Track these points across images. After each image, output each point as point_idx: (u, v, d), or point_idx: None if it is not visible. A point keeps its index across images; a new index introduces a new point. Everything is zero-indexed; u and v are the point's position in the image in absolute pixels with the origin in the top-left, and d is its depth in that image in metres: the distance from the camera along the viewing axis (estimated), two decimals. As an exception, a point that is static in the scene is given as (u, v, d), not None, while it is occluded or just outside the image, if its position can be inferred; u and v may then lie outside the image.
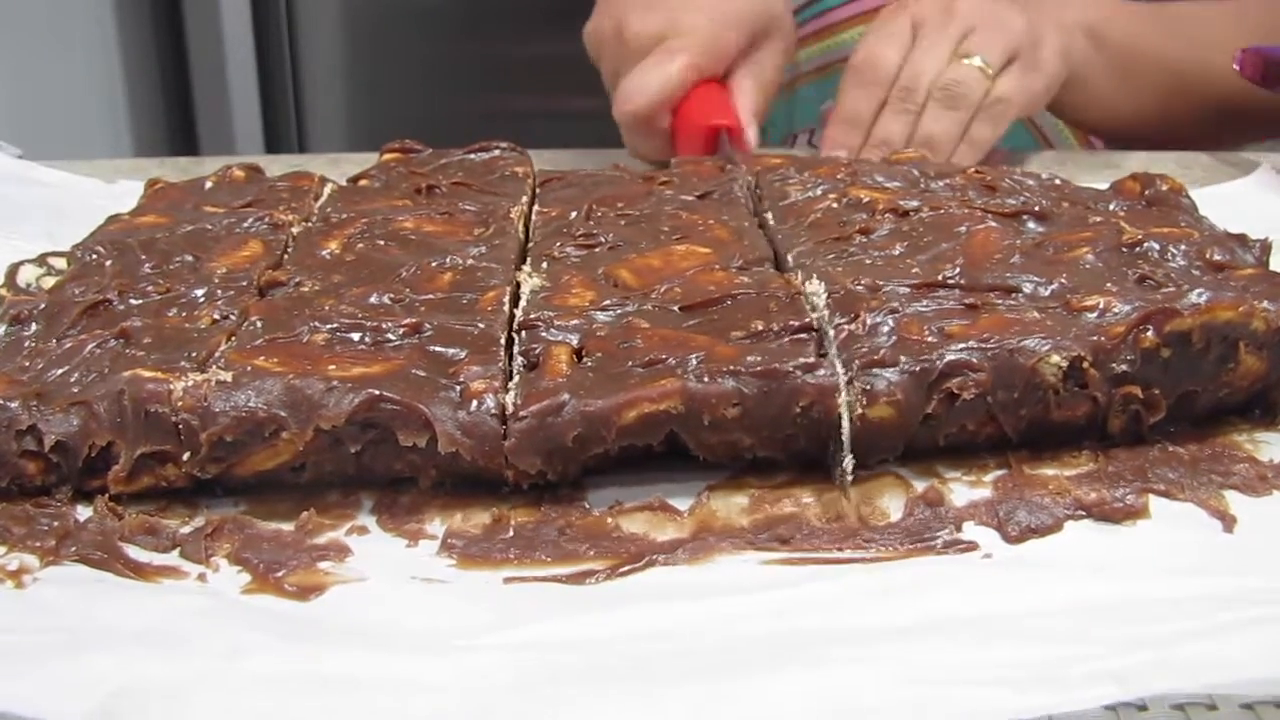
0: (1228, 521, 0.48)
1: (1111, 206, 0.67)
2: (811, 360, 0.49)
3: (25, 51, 1.53)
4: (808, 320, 0.53)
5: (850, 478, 0.49)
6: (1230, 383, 0.53)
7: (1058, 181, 0.71)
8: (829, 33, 1.10)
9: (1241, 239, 0.61)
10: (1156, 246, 0.59)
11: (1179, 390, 0.53)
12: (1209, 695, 0.37)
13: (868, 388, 0.49)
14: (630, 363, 0.50)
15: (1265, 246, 0.60)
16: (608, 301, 0.56)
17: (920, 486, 0.50)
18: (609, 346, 0.52)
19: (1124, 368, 0.51)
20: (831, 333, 0.52)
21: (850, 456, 0.49)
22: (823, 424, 0.49)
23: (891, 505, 0.49)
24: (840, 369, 0.50)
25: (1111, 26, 0.93)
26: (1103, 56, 0.92)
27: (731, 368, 0.49)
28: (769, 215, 0.67)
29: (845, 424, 0.49)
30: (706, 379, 0.49)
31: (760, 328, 0.52)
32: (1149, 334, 0.51)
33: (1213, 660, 0.38)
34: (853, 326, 0.52)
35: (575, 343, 0.53)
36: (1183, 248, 0.59)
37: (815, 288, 0.56)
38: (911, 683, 0.38)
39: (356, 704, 0.38)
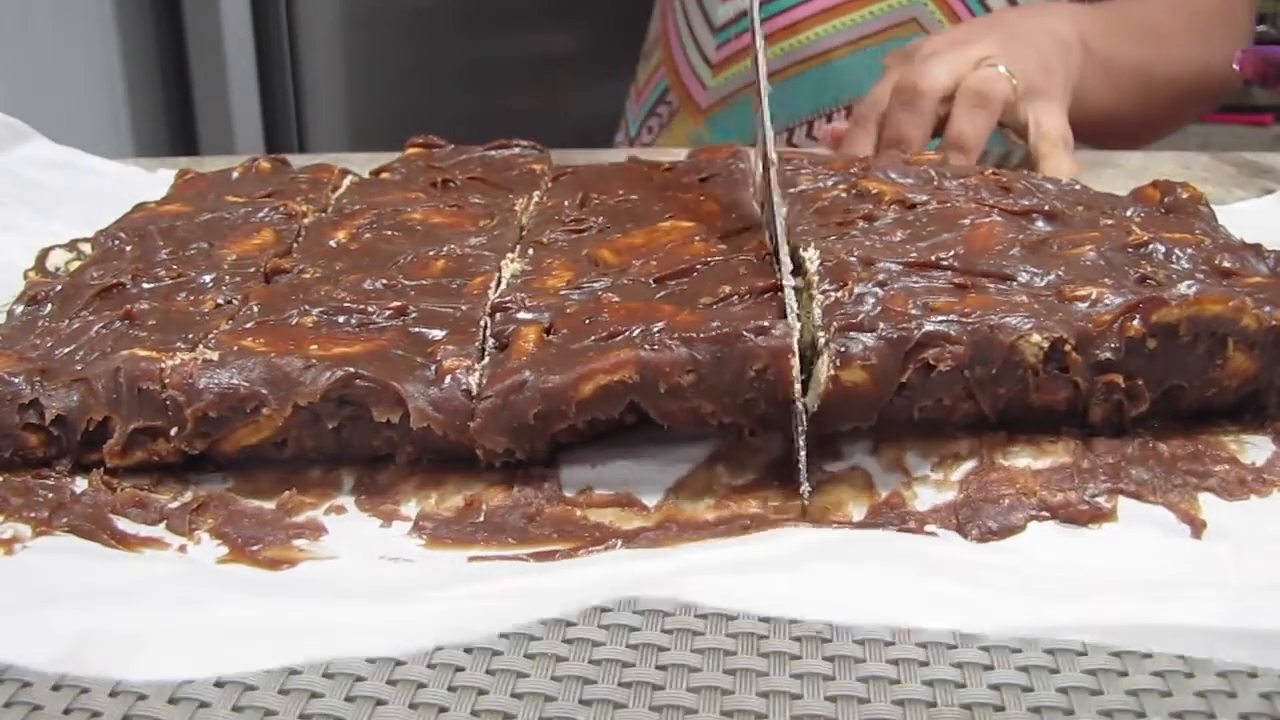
0: (1197, 526, 0.47)
1: (1129, 213, 0.66)
2: (765, 323, 0.49)
3: (25, 51, 1.56)
4: (773, 280, 0.53)
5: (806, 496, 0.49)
6: (1218, 381, 0.52)
7: (1077, 187, 0.70)
8: (787, 34, 1.10)
9: (1257, 249, 0.60)
10: (1162, 249, 0.58)
11: (1165, 384, 0.51)
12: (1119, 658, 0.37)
13: (843, 350, 0.49)
14: (593, 337, 0.51)
15: None
16: (584, 280, 0.56)
17: (885, 493, 0.50)
18: (575, 322, 0.52)
19: (1108, 355, 0.50)
20: (819, 296, 0.52)
21: (807, 486, 0.49)
22: (780, 387, 0.49)
23: (854, 512, 0.49)
24: (795, 325, 0.49)
25: (1093, 35, 0.94)
26: (1092, 65, 0.94)
27: (686, 334, 0.49)
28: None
29: (801, 444, 0.49)
30: (660, 348, 0.49)
31: (728, 291, 0.53)
32: (1135, 322, 0.50)
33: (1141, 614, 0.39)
34: (839, 294, 0.52)
35: (546, 321, 0.53)
36: (1189, 252, 0.58)
37: (810, 255, 0.56)
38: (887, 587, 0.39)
39: (312, 642, 0.39)
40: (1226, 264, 0.57)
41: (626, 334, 0.50)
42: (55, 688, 0.38)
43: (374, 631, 0.40)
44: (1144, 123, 1.04)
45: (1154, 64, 1.00)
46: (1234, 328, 0.51)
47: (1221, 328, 0.51)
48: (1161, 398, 0.52)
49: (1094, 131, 1.03)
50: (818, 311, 0.52)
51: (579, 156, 0.85)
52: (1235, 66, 0.87)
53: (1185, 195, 0.67)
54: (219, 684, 0.38)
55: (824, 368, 0.49)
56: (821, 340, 0.50)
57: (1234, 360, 0.51)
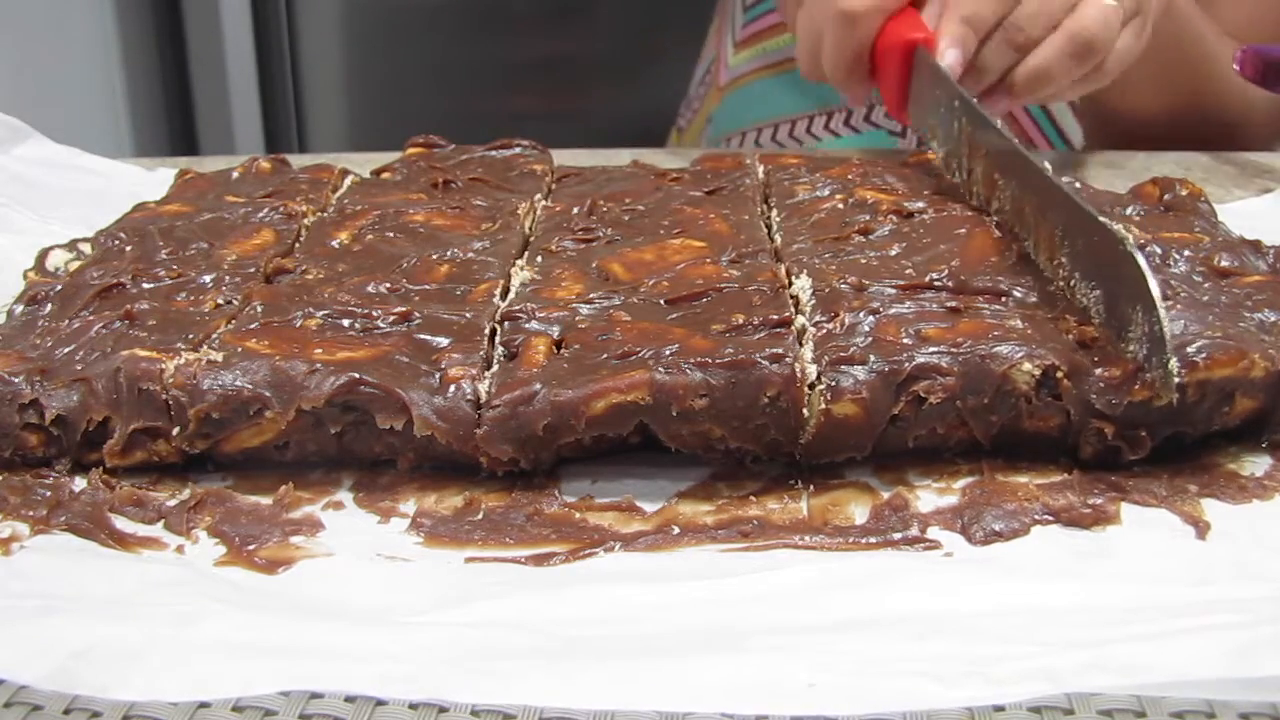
0: (1201, 528, 0.47)
1: (1128, 211, 0.66)
2: (779, 351, 0.49)
3: (25, 51, 1.55)
4: (787, 314, 0.53)
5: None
6: (1223, 423, 0.51)
7: (1077, 185, 0.70)
8: (772, 33, 1.10)
9: (1255, 245, 0.60)
10: (1159, 251, 0.58)
11: (1167, 432, 0.50)
12: (1138, 699, 0.36)
13: (834, 384, 0.49)
14: (605, 354, 0.51)
15: None
16: (594, 295, 0.56)
17: (887, 495, 0.50)
18: (588, 338, 0.52)
19: (1111, 411, 0.49)
20: (811, 329, 0.52)
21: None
22: (791, 414, 0.49)
23: (857, 512, 0.49)
24: (809, 359, 0.50)
25: (1175, 8, 0.90)
26: (1160, 39, 0.87)
27: (700, 359, 0.49)
28: (775, 213, 0.67)
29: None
30: (674, 370, 0.49)
31: (741, 321, 0.53)
32: (1139, 388, 0.49)
33: (1148, 663, 0.37)
34: (831, 325, 0.52)
35: (556, 334, 0.53)
36: (1186, 253, 0.58)
37: (802, 284, 0.56)
38: (828, 671, 0.37)
39: (294, 671, 0.39)
40: (1225, 263, 0.57)
41: (639, 355, 0.50)
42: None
43: (360, 661, 0.39)
44: (1174, 132, 0.97)
45: (1215, 65, 0.94)
46: (1242, 382, 0.50)
47: (1230, 385, 0.50)
48: (1163, 442, 0.51)
49: (1118, 122, 0.98)
50: (808, 342, 0.52)
51: (581, 157, 0.85)
52: (1235, 66, 0.86)
53: (1185, 192, 0.67)
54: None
55: (817, 401, 0.49)
56: (814, 373, 0.50)
57: (1240, 404, 0.50)
